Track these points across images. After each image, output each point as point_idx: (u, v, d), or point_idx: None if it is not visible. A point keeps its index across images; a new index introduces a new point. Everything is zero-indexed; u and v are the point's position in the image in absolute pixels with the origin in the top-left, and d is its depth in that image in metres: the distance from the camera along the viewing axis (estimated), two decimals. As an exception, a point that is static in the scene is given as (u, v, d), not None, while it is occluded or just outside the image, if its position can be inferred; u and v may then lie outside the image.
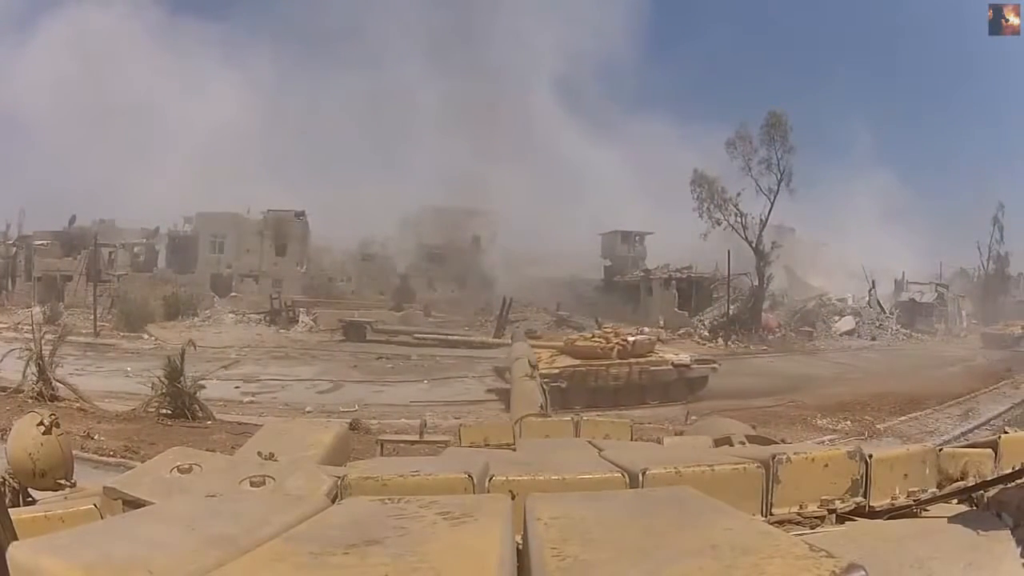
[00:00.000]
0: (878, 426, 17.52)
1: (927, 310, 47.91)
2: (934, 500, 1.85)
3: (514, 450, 3.25)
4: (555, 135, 51.09)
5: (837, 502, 1.76)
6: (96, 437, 13.29)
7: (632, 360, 21.18)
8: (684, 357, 22.39)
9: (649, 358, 21.52)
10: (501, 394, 18.79)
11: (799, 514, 1.74)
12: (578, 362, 20.81)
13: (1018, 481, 1.57)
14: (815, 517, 1.74)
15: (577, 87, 56.27)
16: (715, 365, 22.94)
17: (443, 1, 56.83)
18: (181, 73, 50.39)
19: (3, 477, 3.00)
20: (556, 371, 20.17)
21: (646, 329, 24.95)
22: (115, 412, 15.91)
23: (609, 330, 24.29)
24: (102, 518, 1.83)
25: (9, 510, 1.41)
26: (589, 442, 2.95)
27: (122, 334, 35.93)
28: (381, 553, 1.11)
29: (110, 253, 44.00)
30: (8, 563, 1.11)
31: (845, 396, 21.88)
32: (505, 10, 53.46)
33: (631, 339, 21.77)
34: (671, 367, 21.47)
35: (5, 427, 9.25)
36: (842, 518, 1.75)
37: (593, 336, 23.02)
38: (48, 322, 28.76)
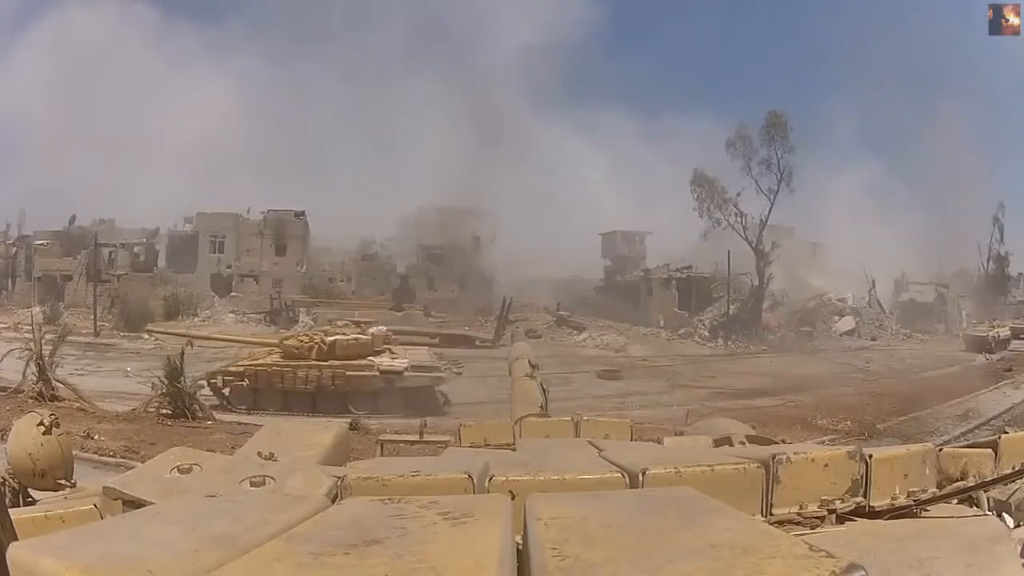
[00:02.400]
0: (878, 426, 17.52)
1: (927, 310, 47.82)
2: (934, 500, 1.85)
3: (514, 450, 3.25)
4: (554, 134, 51.08)
5: (837, 502, 1.76)
6: (96, 437, 13.29)
7: (328, 363, 18.84)
8: (400, 363, 19.27)
9: (355, 362, 18.95)
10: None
11: (799, 514, 1.74)
12: (272, 361, 19.27)
13: (1018, 481, 1.57)
14: (815, 517, 1.73)
15: (575, 85, 56.28)
16: (441, 374, 20.17)
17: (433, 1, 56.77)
18: (180, 73, 50.42)
19: (3, 477, 3.00)
20: (240, 369, 19.20)
21: (374, 328, 21.56)
22: (115, 412, 15.91)
23: (339, 326, 22.11)
24: (102, 518, 1.83)
25: (9, 510, 1.40)
26: (589, 442, 2.95)
27: (122, 334, 35.92)
28: (381, 553, 1.11)
29: (110, 253, 44.00)
30: (8, 563, 1.11)
31: (845, 396, 21.87)
32: (497, 7, 53.40)
33: (329, 339, 19.38)
34: (377, 374, 18.86)
35: (5, 427, 9.25)
36: (842, 518, 1.75)
37: (303, 335, 21.06)
38: (48, 322, 28.69)
